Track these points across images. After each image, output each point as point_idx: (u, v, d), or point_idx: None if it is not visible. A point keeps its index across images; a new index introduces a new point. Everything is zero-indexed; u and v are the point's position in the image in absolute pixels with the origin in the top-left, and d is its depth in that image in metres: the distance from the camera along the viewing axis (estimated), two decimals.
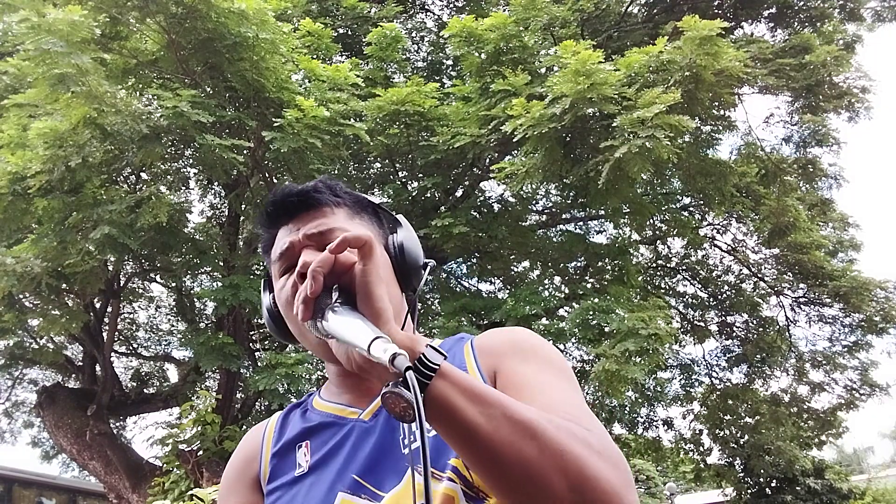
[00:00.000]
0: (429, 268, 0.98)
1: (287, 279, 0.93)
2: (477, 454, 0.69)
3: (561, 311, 8.40)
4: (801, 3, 8.85)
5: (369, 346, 0.67)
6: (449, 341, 0.99)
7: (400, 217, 1.00)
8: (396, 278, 0.95)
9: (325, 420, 0.97)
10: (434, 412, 0.68)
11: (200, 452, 7.42)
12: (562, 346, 9.20)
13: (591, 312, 7.11)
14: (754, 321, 10.98)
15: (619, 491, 0.67)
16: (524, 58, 7.18)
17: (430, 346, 0.72)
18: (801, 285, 10.33)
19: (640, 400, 10.47)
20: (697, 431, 11.60)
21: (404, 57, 9.06)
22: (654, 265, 11.09)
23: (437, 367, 0.69)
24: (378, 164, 8.95)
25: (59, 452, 11.08)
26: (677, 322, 10.21)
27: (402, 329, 0.89)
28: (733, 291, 10.90)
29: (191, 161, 8.19)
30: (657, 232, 10.26)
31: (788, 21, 8.97)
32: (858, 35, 8.87)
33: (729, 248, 10.78)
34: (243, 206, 8.46)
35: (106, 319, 9.47)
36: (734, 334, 11.09)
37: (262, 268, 8.27)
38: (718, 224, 10.60)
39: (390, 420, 0.89)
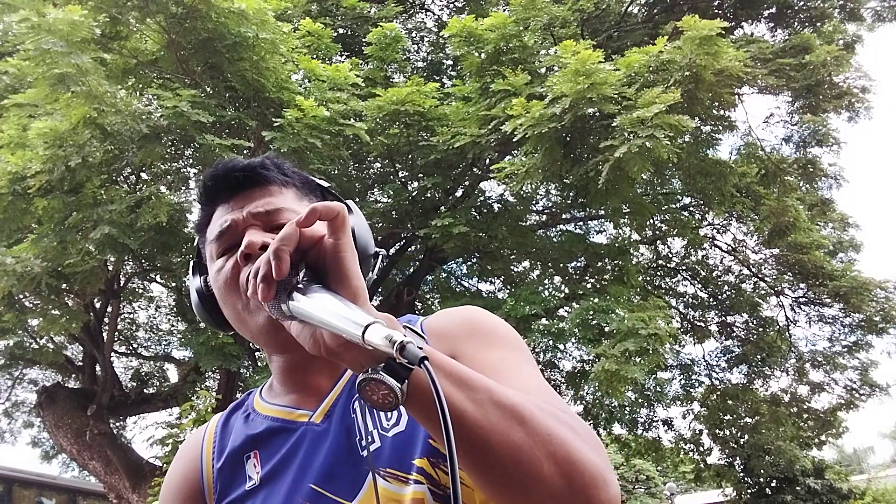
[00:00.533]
0: (380, 258, 0.92)
1: (226, 260, 0.87)
2: (465, 441, 0.64)
3: (561, 311, 8.40)
4: (801, 3, 8.86)
5: (364, 332, 0.58)
6: (402, 320, 0.89)
7: (350, 202, 0.91)
8: None
9: (272, 426, 0.89)
10: (419, 399, 0.62)
11: None
12: (562, 346, 9.20)
13: (590, 312, 7.11)
14: (754, 321, 10.98)
15: (603, 473, 0.67)
16: (524, 58, 7.18)
17: (408, 327, 0.66)
18: (801, 285, 10.33)
19: (639, 400, 10.47)
20: (697, 431, 11.60)
21: (404, 57, 9.06)
22: (654, 265, 11.08)
23: (420, 349, 0.60)
24: (378, 164, 8.95)
25: (59, 452, 11.09)
26: (677, 322, 10.21)
27: None
28: (733, 291, 10.89)
29: (191, 161, 8.19)
30: (657, 232, 10.26)
31: (788, 21, 8.98)
32: (858, 35, 8.87)
33: (729, 248, 10.79)
34: None
35: (106, 319, 9.47)
36: (734, 334, 11.09)
37: None
38: (718, 224, 10.60)
39: (344, 420, 0.84)
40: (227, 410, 0.99)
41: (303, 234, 0.68)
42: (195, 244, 0.99)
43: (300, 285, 0.65)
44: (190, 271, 0.98)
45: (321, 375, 0.89)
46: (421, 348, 0.60)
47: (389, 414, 0.82)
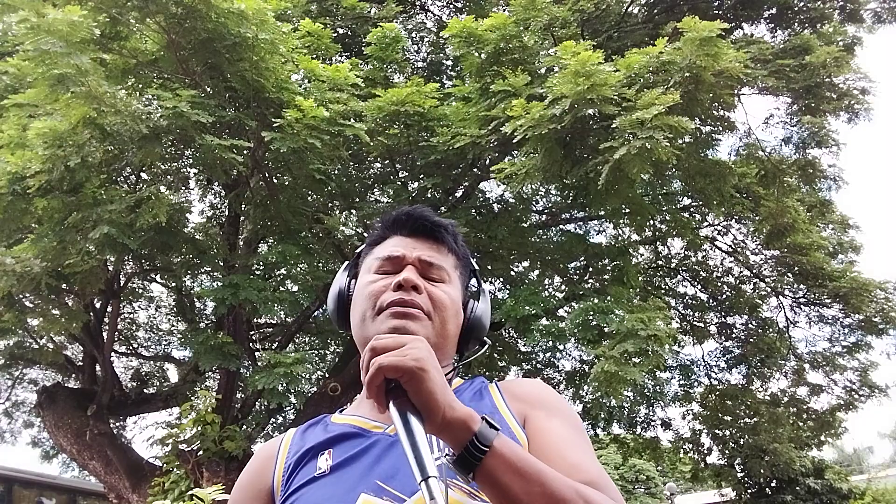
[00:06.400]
0: (486, 347, 1.11)
1: (381, 279, 1.04)
2: None
3: (561, 312, 8.39)
4: (801, 4, 8.85)
5: (421, 482, 0.73)
6: (476, 382, 1.08)
7: (486, 287, 1.13)
8: (458, 338, 1.06)
9: (348, 431, 1.00)
10: (483, 483, 0.79)
11: (200, 452, 7.43)
12: (562, 346, 9.20)
13: (591, 313, 7.11)
14: (754, 322, 10.98)
15: None
16: (524, 58, 7.17)
17: (485, 420, 0.80)
18: (801, 286, 10.33)
19: (638, 399, 10.48)
20: (696, 431, 11.61)
21: (404, 57, 9.05)
22: (654, 266, 11.08)
23: (487, 448, 0.77)
24: (378, 165, 8.95)
25: (59, 452, 11.08)
26: (676, 322, 10.21)
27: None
28: (733, 292, 10.89)
29: (191, 161, 8.19)
30: (657, 233, 10.25)
31: (788, 22, 8.97)
32: (858, 36, 8.85)
33: (729, 249, 10.78)
34: (243, 206, 8.46)
35: (106, 319, 9.47)
36: (734, 335, 11.09)
37: (261, 267, 8.27)
38: (718, 225, 10.60)
39: None
40: (305, 424, 1.11)
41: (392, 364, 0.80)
42: (360, 250, 1.17)
43: (391, 387, 0.80)
44: (342, 268, 1.16)
45: None
46: (488, 445, 0.78)
47: None
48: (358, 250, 1.17)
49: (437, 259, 1.06)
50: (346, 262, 1.17)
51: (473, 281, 1.17)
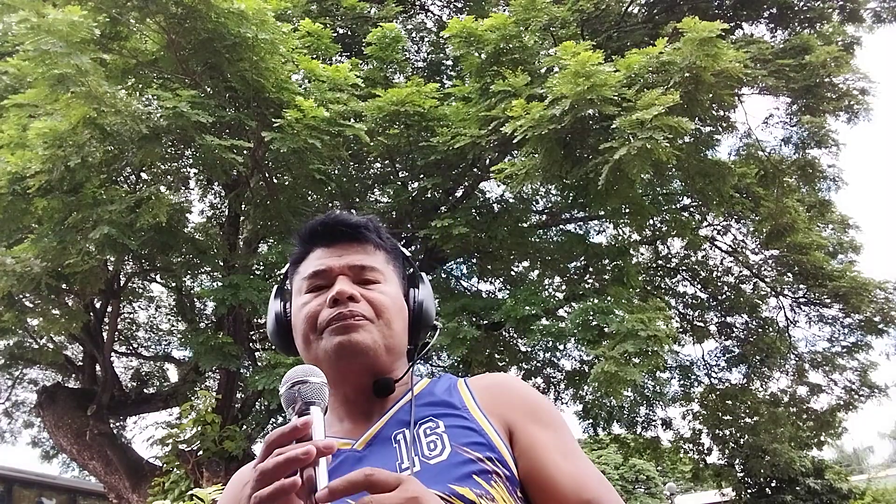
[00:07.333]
0: (437, 332, 1.06)
1: (314, 297, 0.99)
2: None
3: (561, 312, 8.39)
4: (801, 4, 8.85)
5: None
6: (443, 379, 1.04)
7: (423, 275, 1.08)
8: (408, 329, 1.02)
9: None
10: None
11: (200, 452, 7.43)
12: (562, 346, 9.21)
13: (591, 313, 7.11)
14: (754, 322, 10.98)
15: None
16: (524, 58, 7.18)
17: None
18: (801, 286, 10.33)
19: (639, 399, 10.48)
20: (696, 431, 11.62)
21: (404, 57, 9.06)
22: (654, 266, 11.09)
23: None
24: (378, 165, 8.95)
25: (59, 452, 11.09)
26: (676, 322, 10.21)
27: (405, 375, 1.00)
28: (733, 292, 10.90)
29: (191, 161, 8.19)
30: (657, 232, 10.26)
31: (788, 22, 8.97)
32: (857, 36, 8.86)
33: (729, 248, 10.79)
34: (243, 206, 8.46)
35: (106, 319, 9.47)
36: (734, 335, 11.09)
37: (261, 267, 8.27)
38: (719, 225, 10.60)
39: (384, 448, 0.92)
40: None
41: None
42: (285, 271, 1.11)
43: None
44: (272, 295, 1.09)
45: (368, 410, 0.97)
46: None
47: (433, 444, 0.91)
48: (283, 270, 1.13)
49: (366, 261, 1.01)
50: (276, 286, 1.11)
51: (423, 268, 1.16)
